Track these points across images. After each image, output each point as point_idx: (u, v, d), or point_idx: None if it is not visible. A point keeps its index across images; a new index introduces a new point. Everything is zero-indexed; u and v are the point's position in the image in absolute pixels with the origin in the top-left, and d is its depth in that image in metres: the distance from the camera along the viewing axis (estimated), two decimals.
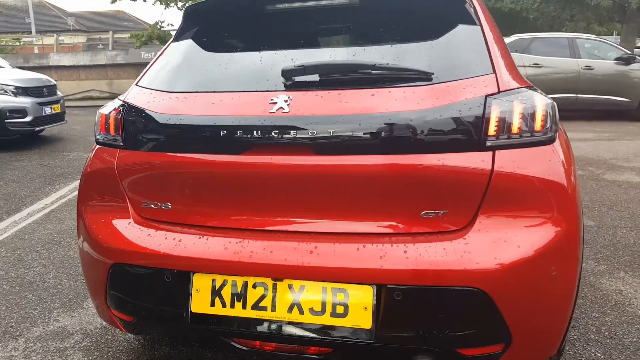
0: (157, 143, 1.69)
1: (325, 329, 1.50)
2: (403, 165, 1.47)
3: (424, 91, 1.49)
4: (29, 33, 29.83)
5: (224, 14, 1.96)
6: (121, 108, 1.80)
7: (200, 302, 1.60)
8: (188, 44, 1.93)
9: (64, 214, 4.51)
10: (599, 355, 2.20)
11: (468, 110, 1.45)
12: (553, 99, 1.66)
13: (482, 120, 1.45)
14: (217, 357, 2.23)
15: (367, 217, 1.51)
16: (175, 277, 1.62)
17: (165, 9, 18.99)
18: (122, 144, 1.77)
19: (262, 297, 1.55)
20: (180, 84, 1.78)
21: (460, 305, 1.42)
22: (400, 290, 1.43)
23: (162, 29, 19.63)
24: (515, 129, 1.48)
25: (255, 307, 1.55)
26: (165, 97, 1.73)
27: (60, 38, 27.83)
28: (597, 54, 10.42)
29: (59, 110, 8.65)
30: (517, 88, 1.55)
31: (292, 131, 1.49)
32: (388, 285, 1.43)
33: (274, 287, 1.54)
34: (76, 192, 2.10)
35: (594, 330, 2.40)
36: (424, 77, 1.52)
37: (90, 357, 2.27)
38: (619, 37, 17.82)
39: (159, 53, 2.02)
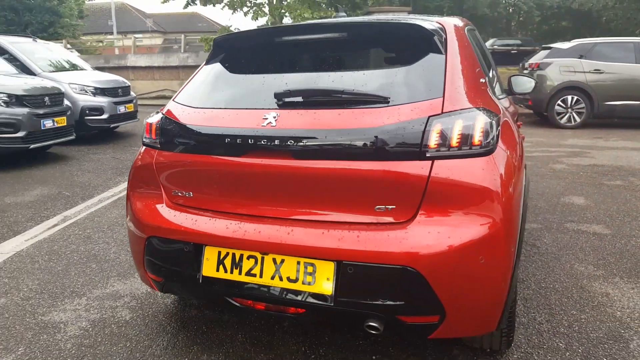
0: (183, 146, 2.20)
1: (298, 293, 1.93)
2: (361, 170, 1.87)
3: (379, 112, 1.89)
4: (112, 34, 32.10)
5: (242, 45, 2.45)
6: (160, 119, 2.33)
7: (209, 267, 2.08)
8: (213, 68, 2.43)
9: None
10: (561, 345, 2.47)
11: (412, 128, 1.83)
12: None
13: (422, 136, 1.83)
14: (233, 320, 2.72)
15: (332, 209, 1.93)
16: (192, 248, 2.11)
17: (232, 13, 19.99)
18: (159, 146, 2.29)
19: (253, 266, 2.00)
20: (203, 101, 2.28)
21: (398, 280, 1.81)
22: (352, 265, 1.84)
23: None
24: (454, 143, 1.84)
25: (248, 273, 2.01)
26: (191, 112, 2.23)
27: (139, 37, 29.69)
28: None
29: (132, 109, 9.55)
30: (462, 109, 1.90)
31: (276, 140, 1.94)
32: (344, 262, 1.85)
33: (262, 259, 1.99)
34: None
35: (566, 324, 2.66)
36: (382, 100, 1.92)
37: (135, 314, 2.83)
38: None
39: (194, 73, 2.53)
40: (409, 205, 1.85)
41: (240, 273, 2.02)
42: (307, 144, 1.91)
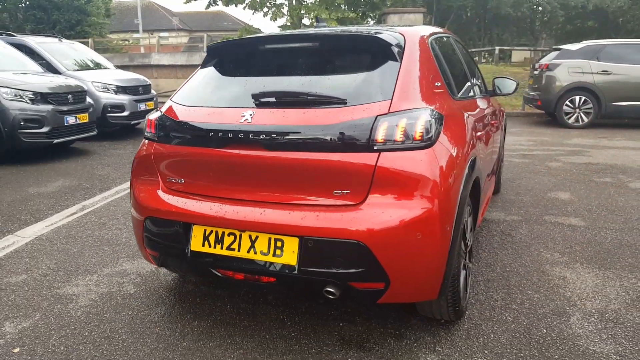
0: (177, 139, 2.57)
1: (269, 264, 2.29)
2: (321, 160, 2.21)
3: (336, 111, 2.23)
4: (138, 32, 32.91)
5: (231, 52, 2.83)
6: (158, 115, 2.71)
7: (196, 243, 2.44)
8: (206, 71, 2.80)
9: None
10: (509, 318, 2.78)
11: (362, 125, 2.18)
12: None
13: (371, 132, 2.17)
14: (224, 294, 3.09)
15: (298, 192, 2.28)
16: (182, 226, 2.48)
17: (252, 14, 20.48)
18: (156, 139, 2.67)
19: (233, 242, 2.36)
20: (195, 100, 2.65)
21: (348, 252, 2.15)
22: (312, 240, 2.19)
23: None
24: (398, 137, 2.17)
25: (229, 248, 2.37)
26: (184, 109, 2.60)
27: (165, 35, 30.33)
28: None
29: (153, 107, 10.02)
30: (407, 109, 2.23)
31: (251, 135, 2.30)
32: (305, 237, 2.20)
33: (240, 236, 2.35)
34: None
35: (519, 302, 2.97)
36: (340, 101, 2.27)
37: (138, 288, 3.22)
38: None
39: (190, 76, 2.91)
40: (361, 190, 2.19)
41: (222, 248, 2.39)
42: (276, 137, 2.26)
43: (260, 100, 2.42)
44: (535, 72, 11.33)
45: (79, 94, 7.87)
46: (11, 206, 5.08)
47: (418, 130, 2.20)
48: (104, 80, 9.37)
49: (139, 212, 2.67)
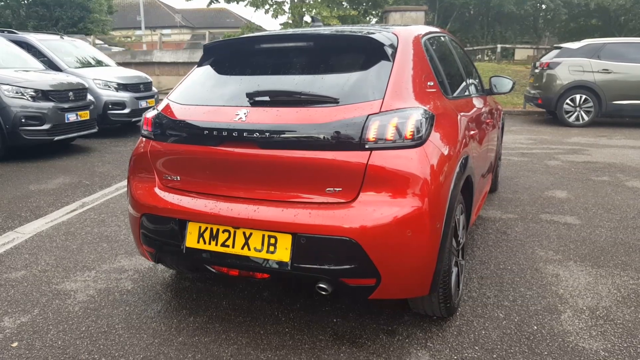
0: (173, 137, 2.60)
1: (263, 261, 2.32)
2: (314, 158, 2.25)
3: (329, 110, 2.27)
4: (141, 29, 32.94)
5: (226, 51, 2.86)
6: (155, 113, 2.74)
7: (191, 240, 2.48)
8: (202, 70, 2.84)
9: None
10: (501, 315, 2.82)
11: (354, 124, 2.21)
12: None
13: (362, 131, 2.20)
14: (220, 291, 3.13)
15: (291, 190, 2.31)
16: (177, 223, 2.52)
17: (254, 11, 20.51)
18: (153, 137, 2.70)
19: (227, 239, 2.40)
20: (191, 99, 2.68)
21: (340, 249, 2.19)
22: (304, 237, 2.22)
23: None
24: (389, 136, 2.21)
25: (223, 244, 2.41)
26: (179, 108, 2.64)
27: (167, 32, 30.34)
28: None
29: (154, 104, 10.07)
30: (398, 109, 2.27)
31: (245, 133, 2.33)
32: (298, 234, 2.23)
33: (234, 233, 2.39)
34: None
35: (511, 299, 3.00)
36: (332, 101, 2.30)
37: (136, 285, 3.26)
38: None
39: (186, 75, 2.94)
40: (353, 188, 2.22)
41: (217, 244, 2.42)
42: (270, 136, 2.30)
43: (254, 99, 2.45)
44: (536, 71, 11.34)
45: (80, 91, 7.91)
46: (12, 203, 5.13)
47: (409, 129, 2.23)
48: (105, 78, 9.40)
49: (135, 209, 2.71)
